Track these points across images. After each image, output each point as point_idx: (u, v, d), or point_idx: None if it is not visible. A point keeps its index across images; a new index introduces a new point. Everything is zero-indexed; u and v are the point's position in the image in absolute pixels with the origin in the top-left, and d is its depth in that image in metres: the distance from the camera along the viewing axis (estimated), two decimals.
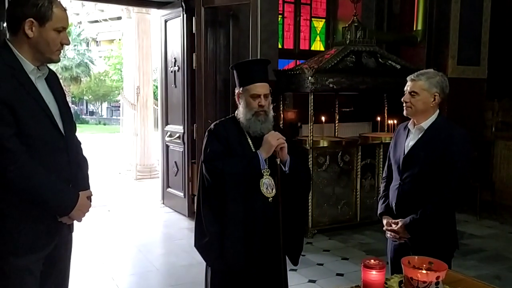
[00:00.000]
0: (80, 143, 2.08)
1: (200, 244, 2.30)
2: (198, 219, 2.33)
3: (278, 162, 2.27)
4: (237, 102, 2.42)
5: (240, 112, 2.37)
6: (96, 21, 36.53)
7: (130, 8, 8.94)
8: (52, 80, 1.98)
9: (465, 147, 2.40)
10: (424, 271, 1.53)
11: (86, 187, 2.00)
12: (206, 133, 2.39)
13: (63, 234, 1.95)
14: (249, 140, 2.35)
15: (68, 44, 1.90)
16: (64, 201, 1.83)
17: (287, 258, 2.42)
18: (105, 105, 36.61)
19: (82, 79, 32.12)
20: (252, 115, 2.31)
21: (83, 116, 37.56)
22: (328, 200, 5.24)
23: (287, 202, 2.32)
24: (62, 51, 1.95)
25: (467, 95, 6.34)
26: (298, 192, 2.42)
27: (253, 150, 2.32)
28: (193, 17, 5.22)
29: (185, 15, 5.55)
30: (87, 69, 31.75)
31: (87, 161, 2.08)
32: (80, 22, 36.67)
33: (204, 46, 5.14)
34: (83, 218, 1.93)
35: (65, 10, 1.88)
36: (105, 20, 33.53)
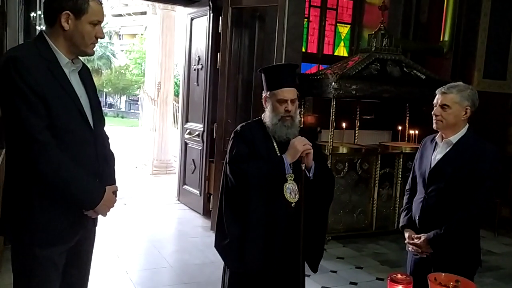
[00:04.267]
0: (108, 138, 2.10)
1: (221, 245, 2.29)
2: (219, 220, 2.33)
3: (303, 168, 2.26)
4: (264, 106, 2.41)
5: (267, 116, 2.37)
6: (120, 15, 36.92)
7: (156, 4, 8.99)
8: (85, 73, 2.00)
9: (495, 164, 2.35)
10: None
11: (112, 181, 2.02)
12: (232, 135, 2.39)
13: (87, 227, 1.97)
14: (275, 144, 2.34)
15: (102, 37, 1.92)
16: (91, 195, 1.84)
17: (306, 264, 2.41)
18: (124, 98, 36.93)
19: (103, 71, 32.49)
20: (278, 120, 2.31)
21: (103, 110, 37.91)
22: (344, 207, 5.20)
23: (309, 208, 2.31)
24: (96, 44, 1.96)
25: (491, 110, 6.23)
26: (321, 199, 2.40)
27: (278, 154, 2.31)
28: (220, 17, 5.22)
29: (211, 14, 5.57)
30: (108, 62, 32.12)
31: (114, 156, 2.10)
32: (104, 15, 37.07)
33: (229, 46, 5.14)
34: (107, 213, 1.94)
35: (101, 3, 1.90)
36: (129, 14, 33.87)
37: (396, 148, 5.52)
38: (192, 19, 6.08)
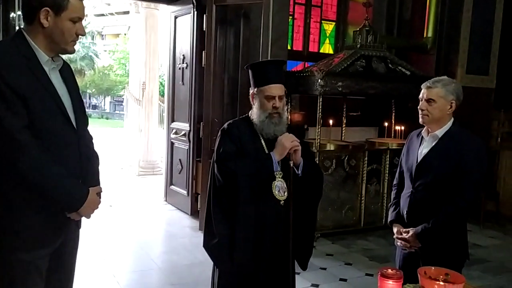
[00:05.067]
0: (91, 138, 2.05)
1: (209, 245, 2.26)
2: (208, 219, 2.29)
3: (291, 165, 2.24)
4: (251, 103, 2.38)
5: (254, 113, 2.34)
6: (102, 15, 36.54)
7: (139, 2, 8.91)
8: (66, 72, 1.95)
9: (480, 157, 2.37)
10: (442, 283, 1.50)
11: (97, 183, 1.97)
12: (219, 133, 2.36)
13: (70, 230, 1.92)
14: (262, 142, 2.31)
15: (83, 35, 1.87)
16: (74, 196, 1.79)
17: (295, 262, 2.39)
18: (108, 99, 36.59)
19: (86, 72, 32.11)
20: (266, 117, 2.28)
21: (86, 110, 37.53)
22: (332, 204, 5.20)
23: (298, 205, 2.29)
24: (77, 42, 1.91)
25: (474, 104, 6.29)
26: (310, 196, 2.39)
27: (266, 151, 2.29)
28: (204, 15, 5.18)
29: (195, 12, 5.52)
30: (91, 62, 31.76)
31: (98, 156, 2.05)
32: (86, 15, 36.66)
33: (214, 44, 5.10)
34: (91, 215, 1.90)
35: (81, 0, 1.85)
36: (111, 14, 33.55)
37: (382, 144, 5.55)
38: (176, 18, 6.03)
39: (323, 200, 5.07)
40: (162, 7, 7.15)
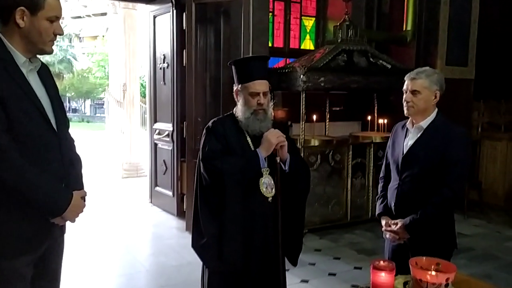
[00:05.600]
0: (73, 140, 2.00)
1: (198, 245, 2.23)
2: (195, 219, 2.26)
3: (278, 161, 2.23)
4: (236, 100, 2.36)
5: (239, 110, 2.32)
6: (79, 17, 36.00)
7: (116, 3, 8.79)
8: (45, 73, 1.90)
9: (465, 146, 2.39)
10: (433, 273, 1.50)
11: (80, 186, 1.92)
12: (204, 131, 2.33)
13: (55, 235, 1.87)
14: (248, 139, 2.29)
15: (62, 34, 1.82)
16: (57, 201, 1.75)
17: (285, 258, 2.38)
18: (88, 102, 36.11)
19: (64, 75, 31.61)
20: (251, 114, 2.26)
21: (66, 112, 36.99)
22: (319, 200, 5.21)
23: (286, 201, 2.28)
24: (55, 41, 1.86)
25: (455, 96, 6.36)
26: (298, 192, 2.38)
27: (252, 148, 2.26)
28: (184, 13, 5.12)
29: (174, 11, 5.46)
30: (69, 65, 31.28)
31: (80, 159, 2.00)
32: (63, 18, 36.13)
33: (195, 43, 5.05)
34: (76, 219, 1.85)
35: None
36: (88, 16, 33.06)
37: (366, 138, 5.57)
38: (155, 17, 5.95)
39: (310, 196, 5.02)
40: (141, 7, 7.05)
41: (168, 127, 5.77)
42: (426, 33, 6.33)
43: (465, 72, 6.55)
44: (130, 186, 7.74)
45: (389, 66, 5.47)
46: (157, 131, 6.05)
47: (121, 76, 8.84)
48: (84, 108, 37.78)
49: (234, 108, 2.37)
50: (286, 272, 3.90)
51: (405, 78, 2.48)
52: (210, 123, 2.34)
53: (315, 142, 5.21)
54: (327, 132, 5.97)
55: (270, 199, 2.25)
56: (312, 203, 5.13)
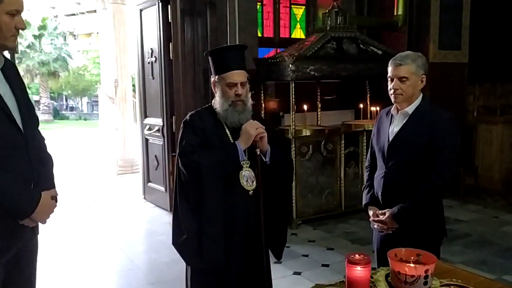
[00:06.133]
0: (43, 139, 1.93)
1: (178, 242, 2.17)
2: (175, 215, 2.20)
3: (258, 153, 2.16)
4: (213, 91, 2.29)
5: (217, 102, 2.24)
6: (73, 14, 35.79)
7: None
8: (10, 71, 1.82)
9: (452, 130, 2.31)
10: (412, 265, 1.44)
11: (51, 186, 1.85)
12: (182, 125, 2.26)
13: (26, 237, 1.80)
14: (227, 131, 2.22)
15: (23, 28, 1.75)
16: (22, 202, 1.68)
17: (270, 252, 2.32)
18: (85, 100, 36.02)
19: (60, 74, 31.46)
20: (229, 105, 2.19)
21: (63, 112, 36.95)
22: (312, 190, 5.15)
23: (268, 194, 2.21)
24: (19, 37, 1.79)
25: (449, 80, 6.29)
26: (280, 183, 2.32)
27: (231, 141, 2.19)
28: (169, 5, 5.03)
29: (160, 4, 5.37)
30: (65, 63, 31.08)
31: (51, 158, 1.93)
32: (56, 16, 35.93)
33: (181, 35, 4.97)
34: (47, 220, 1.79)
35: None
36: (82, 13, 32.87)
37: (358, 126, 5.51)
38: (141, 10, 5.86)
39: (303, 186, 5.09)
40: (129, 1, 6.96)
41: (158, 122, 5.71)
42: (417, 17, 6.23)
43: (458, 56, 6.46)
44: (125, 183, 7.69)
45: (380, 52, 5.39)
46: (147, 126, 5.99)
47: (112, 72, 8.74)
48: (81, 106, 37.71)
49: (213, 100, 2.30)
50: (278, 264, 3.90)
51: (390, 64, 2.39)
52: (187, 116, 2.27)
53: (306, 132, 5.15)
54: (319, 122, 5.90)
55: (251, 192, 2.18)
56: (306, 193, 5.08)
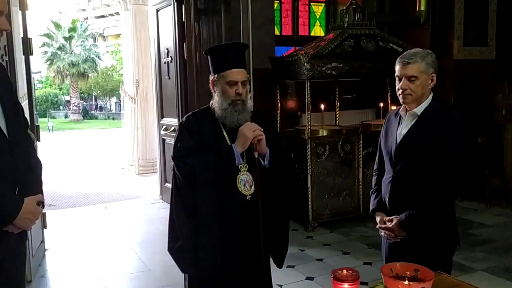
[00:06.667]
0: (32, 143, 1.89)
1: (173, 248, 2.10)
2: (171, 221, 2.13)
3: (256, 156, 2.07)
4: (212, 91, 2.21)
5: (215, 101, 2.16)
6: (103, 16, 36.53)
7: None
8: None
9: (463, 132, 2.15)
10: (406, 282, 1.32)
11: (37, 191, 1.80)
12: (178, 127, 2.19)
13: (12, 244, 1.76)
14: (224, 133, 2.14)
15: (7, 30, 1.70)
16: (4, 208, 1.63)
17: (271, 259, 2.23)
18: (113, 99, 36.67)
19: (89, 74, 32.14)
20: (228, 105, 2.10)
21: (92, 112, 37.77)
22: (329, 192, 5.01)
23: (268, 199, 2.12)
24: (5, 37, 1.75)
25: (474, 78, 6.04)
26: (280, 188, 2.21)
27: (229, 143, 2.11)
28: (182, 5, 4.99)
29: (175, 3, 5.33)
30: (94, 64, 31.75)
31: (40, 162, 1.88)
32: (87, 18, 36.77)
33: (195, 35, 4.92)
34: (32, 226, 1.74)
35: None
36: (111, 14, 33.52)
37: (378, 126, 5.31)
38: (157, 10, 5.85)
39: (319, 187, 4.96)
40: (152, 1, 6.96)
41: (174, 122, 5.67)
42: (441, 12, 6.00)
43: (485, 53, 6.19)
44: (145, 183, 7.72)
45: (400, 50, 5.17)
46: (164, 126, 5.97)
47: (134, 72, 8.81)
48: (110, 106, 38.41)
49: (211, 101, 2.22)
50: (291, 269, 3.79)
51: (396, 63, 2.26)
52: (184, 118, 2.20)
53: (323, 132, 5.01)
54: (338, 121, 5.75)
55: (249, 197, 2.09)
56: (322, 195, 4.95)
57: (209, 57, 2.20)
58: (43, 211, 4.22)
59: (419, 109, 2.21)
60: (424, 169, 2.17)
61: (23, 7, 3.81)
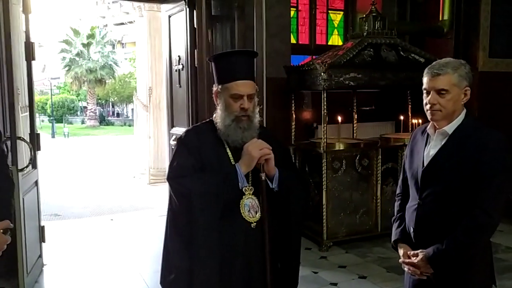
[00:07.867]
0: (2, 163, 1.66)
1: (166, 281, 1.86)
2: (164, 250, 1.89)
3: (263, 178, 1.82)
4: (215, 103, 1.97)
5: (218, 116, 1.93)
6: (122, 23, 36.91)
7: (142, 6, 8.66)
8: None
9: (502, 156, 1.86)
10: None
11: (2, 217, 1.56)
12: (175, 142, 1.96)
13: None
14: (228, 151, 1.90)
15: None
16: None
17: None
18: (130, 106, 36.89)
19: (106, 81, 32.41)
20: (232, 121, 1.86)
21: (109, 118, 38.05)
22: (345, 209, 4.73)
23: (276, 227, 1.87)
24: None
25: (500, 91, 5.71)
26: (290, 214, 1.95)
27: (233, 163, 1.87)
28: (194, 11, 4.79)
29: (187, 9, 5.14)
30: (111, 71, 32.01)
31: (8, 181, 1.66)
32: (106, 25, 37.20)
33: (206, 42, 4.71)
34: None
35: None
36: (130, 22, 33.78)
37: (398, 140, 5.03)
38: (169, 17, 5.67)
39: (335, 204, 4.68)
40: (164, 7, 6.83)
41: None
42: (465, 22, 5.70)
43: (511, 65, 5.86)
44: (155, 193, 7.52)
45: (423, 60, 4.91)
46: (174, 136, 5.75)
47: (147, 79, 8.68)
48: (127, 112, 38.66)
49: (214, 114, 1.98)
50: None
51: (425, 74, 1.99)
52: (183, 133, 1.97)
53: (339, 146, 4.74)
54: (355, 134, 5.47)
55: (254, 224, 1.84)
56: (338, 212, 4.68)
57: (213, 65, 1.97)
58: (42, 224, 4.05)
59: (450, 128, 1.93)
60: (456, 197, 1.89)
61: (26, 10, 3.65)
